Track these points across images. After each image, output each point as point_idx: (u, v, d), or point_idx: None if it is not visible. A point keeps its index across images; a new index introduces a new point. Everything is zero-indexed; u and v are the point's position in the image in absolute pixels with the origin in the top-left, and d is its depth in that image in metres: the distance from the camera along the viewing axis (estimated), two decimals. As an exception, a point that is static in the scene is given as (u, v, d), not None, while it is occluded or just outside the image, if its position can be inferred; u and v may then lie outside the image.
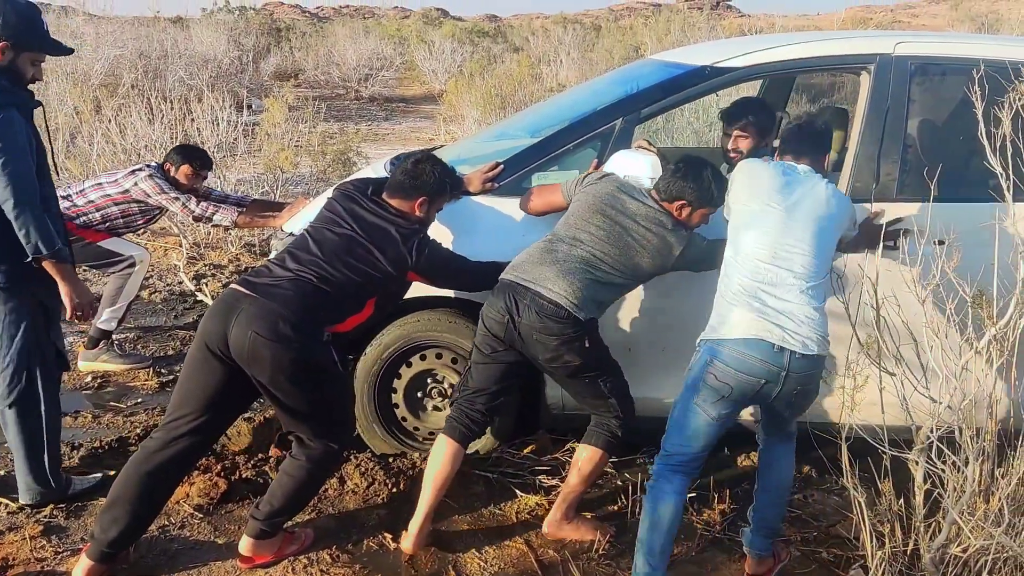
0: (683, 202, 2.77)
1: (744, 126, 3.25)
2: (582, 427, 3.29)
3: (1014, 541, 2.35)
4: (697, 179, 2.75)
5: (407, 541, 2.80)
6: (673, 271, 2.85)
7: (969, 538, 2.42)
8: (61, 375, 3.05)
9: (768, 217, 2.56)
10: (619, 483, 3.27)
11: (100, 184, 4.11)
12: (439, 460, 2.79)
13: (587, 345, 2.72)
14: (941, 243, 2.95)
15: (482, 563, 2.80)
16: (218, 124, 6.59)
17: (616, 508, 3.13)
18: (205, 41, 16.43)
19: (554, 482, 3.19)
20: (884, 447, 2.63)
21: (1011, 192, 2.56)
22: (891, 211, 3.02)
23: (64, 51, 2.90)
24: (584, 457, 2.84)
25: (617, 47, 16.77)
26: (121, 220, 4.11)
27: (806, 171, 2.68)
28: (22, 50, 2.72)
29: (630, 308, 3.17)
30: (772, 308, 2.45)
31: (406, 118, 14.13)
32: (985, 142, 2.55)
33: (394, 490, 3.10)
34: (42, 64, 2.83)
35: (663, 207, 2.79)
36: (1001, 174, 2.56)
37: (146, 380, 4.15)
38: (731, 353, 2.44)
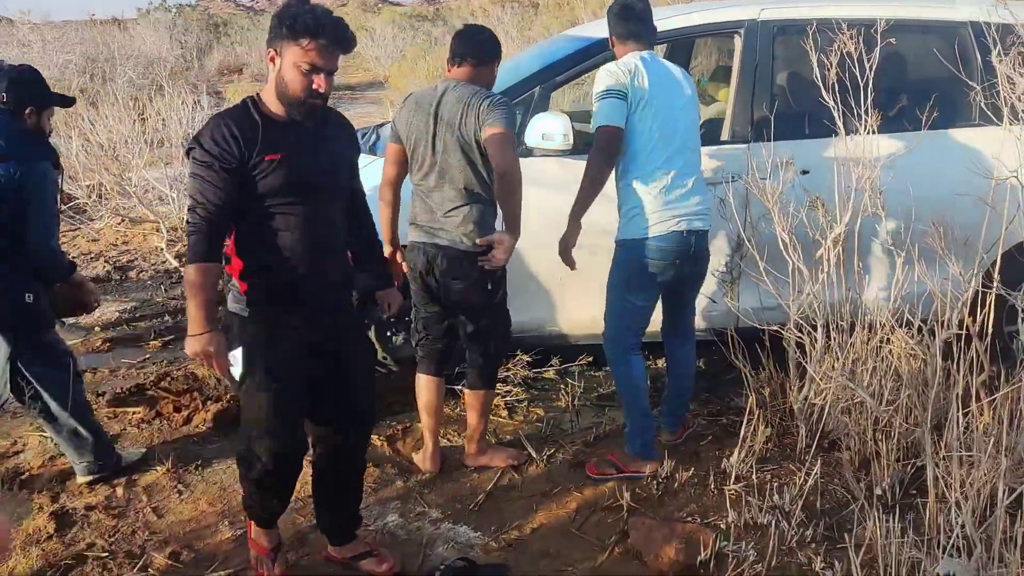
0: None
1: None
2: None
3: (862, 390, 3.08)
4: None
5: (427, 463, 3.28)
6: None
7: (822, 387, 3.16)
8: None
9: (658, 117, 3.00)
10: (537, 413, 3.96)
11: None
12: (423, 393, 3.25)
13: (488, 287, 3.02)
14: (805, 172, 3.69)
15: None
16: (185, 114, 7.13)
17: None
18: (148, 41, 16.71)
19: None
20: (764, 329, 3.37)
21: (841, 122, 3.28)
22: (766, 149, 3.72)
23: (70, 102, 3.36)
24: (471, 400, 3.26)
25: (554, 24, 17.36)
26: None
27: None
28: (42, 109, 3.14)
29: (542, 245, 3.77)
30: (674, 199, 2.99)
31: (353, 104, 14.61)
32: (820, 83, 3.26)
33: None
34: None
35: None
36: (833, 107, 3.27)
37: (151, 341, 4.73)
38: (651, 248, 3.00)
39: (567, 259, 3.15)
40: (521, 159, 3.76)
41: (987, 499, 2.52)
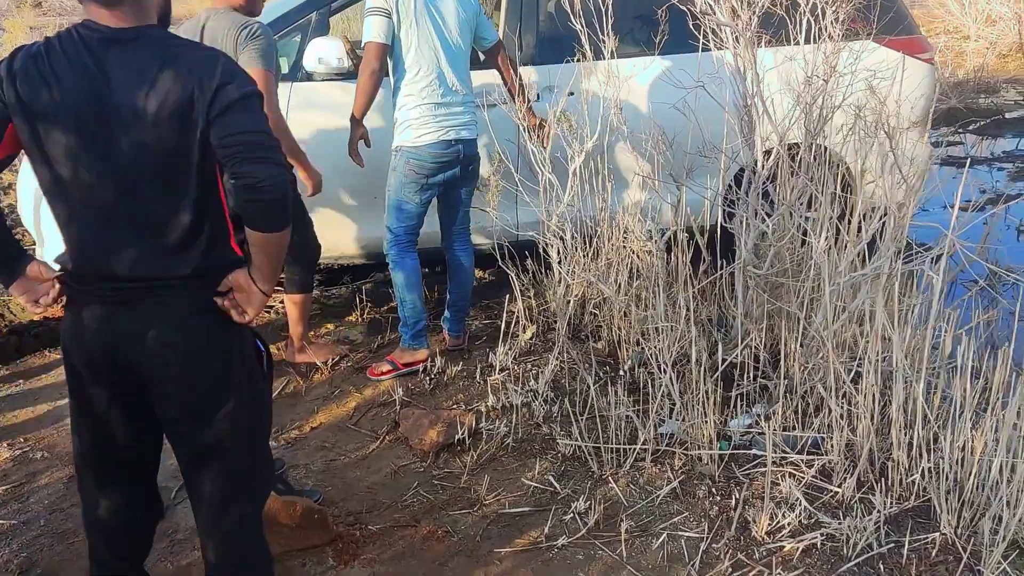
0: None
1: None
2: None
3: (605, 286, 3.47)
4: None
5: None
6: None
7: (572, 285, 3.54)
8: None
9: (428, 36, 3.26)
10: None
11: None
12: None
13: None
14: (571, 94, 4.01)
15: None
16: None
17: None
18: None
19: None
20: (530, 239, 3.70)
21: (588, 46, 3.60)
22: (534, 73, 4.01)
23: None
24: (288, 303, 3.55)
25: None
26: None
27: None
28: None
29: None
30: (441, 116, 3.28)
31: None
32: (568, 8, 3.55)
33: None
34: None
35: None
36: (581, 31, 3.58)
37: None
38: (423, 154, 3.28)
39: (354, 157, 3.39)
40: (302, 83, 3.91)
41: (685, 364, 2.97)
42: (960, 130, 7.03)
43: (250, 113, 1.70)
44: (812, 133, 2.77)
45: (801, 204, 2.88)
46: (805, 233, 2.94)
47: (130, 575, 2.05)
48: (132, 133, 1.65)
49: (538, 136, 3.63)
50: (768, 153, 3.17)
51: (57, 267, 1.82)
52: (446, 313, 3.73)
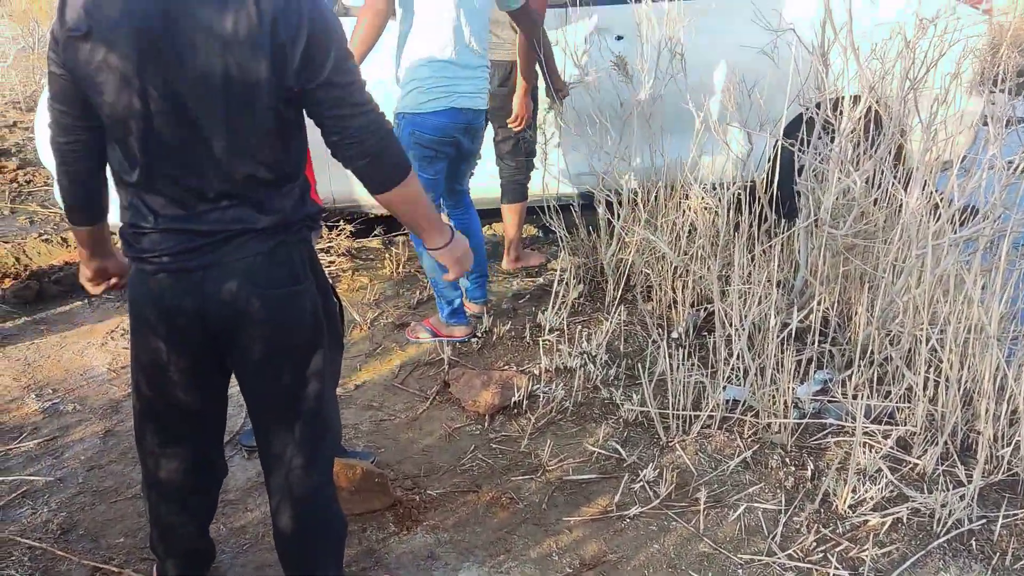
0: None
1: None
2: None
3: (657, 239, 3.32)
4: None
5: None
6: None
7: (627, 241, 3.39)
8: None
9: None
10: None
11: None
12: None
13: None
14: (620, 37, 3.82)
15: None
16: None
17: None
18: None
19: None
20: (575, 202, 3.53)
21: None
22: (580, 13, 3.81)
23: None
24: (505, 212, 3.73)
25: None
26: None
27: None
28: None
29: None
30: (452, 79, 2.89)
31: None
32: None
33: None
34: None
35: None
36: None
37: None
38: (429, 123, 2.90)
39: None
40: (341, 18, 3.69)
41: (762, 331, 2.83)
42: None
43: (341, 56, 1.50)
44: (913, 81, 2.57)
45: (889, 160, 2.71)
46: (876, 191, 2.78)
47: (196, 539, 1.92)
48: (201, 57, 1.43)
49: (560, 97, 3.51)
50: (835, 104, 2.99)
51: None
52: (466, 283, 3.39)
